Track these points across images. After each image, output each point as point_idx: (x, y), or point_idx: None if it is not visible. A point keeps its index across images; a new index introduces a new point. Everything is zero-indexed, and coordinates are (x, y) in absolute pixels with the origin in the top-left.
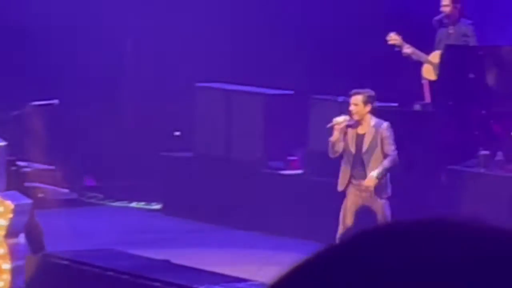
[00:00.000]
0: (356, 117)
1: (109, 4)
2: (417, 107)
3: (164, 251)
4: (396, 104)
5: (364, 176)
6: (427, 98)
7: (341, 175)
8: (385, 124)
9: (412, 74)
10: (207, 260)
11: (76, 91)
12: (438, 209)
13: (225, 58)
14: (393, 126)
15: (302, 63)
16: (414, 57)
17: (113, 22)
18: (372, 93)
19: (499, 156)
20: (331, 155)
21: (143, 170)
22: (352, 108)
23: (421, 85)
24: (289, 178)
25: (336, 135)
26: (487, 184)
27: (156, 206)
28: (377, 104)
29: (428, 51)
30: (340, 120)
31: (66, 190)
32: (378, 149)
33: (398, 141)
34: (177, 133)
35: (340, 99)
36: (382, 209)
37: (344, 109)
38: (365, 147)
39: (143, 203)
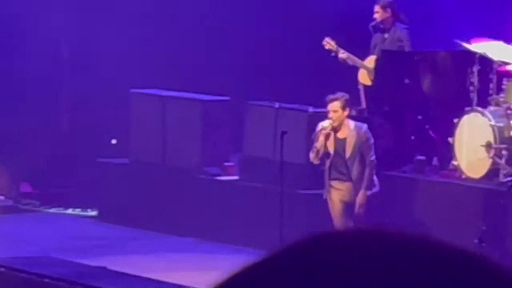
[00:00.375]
0: (335, 123)
1: (44, 11)
2: (353, 112)
3: (101, 258)
4: None
5: (349, 179)
6: (363, 103)
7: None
8: (365, 127)
9: (347, 79)
10: (143, 267)
11: (12, 97)
12: (374, 214)
13: (161, 64)
14: None
15: (239, 69)
16: (350, 62)
17: (49, 28)
18: (347, 96)
19: (435, 161)
20: (315, 162)
21: (79, 176)
22: (331, 115)
23: (357, 90)
24: (225, 184)
25: (322, 140)
26: (423, 189)
27: (92, 213)
28: (312, 110)
29: (364, 56)
30: (326, 125)
31: (1, 197)
32: (359, 152)
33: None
34: (114, 141)
35: (276, 105)
36: (364, 202)
37: (279, 114)
38: (348, 151)
39: (79, 210)
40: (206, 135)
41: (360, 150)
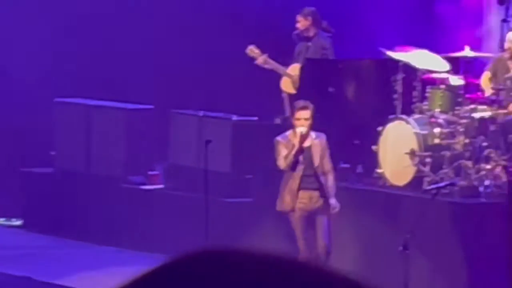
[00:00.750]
0: (305, 131)
1: None
2: (277, 120)
3: (25, 267)
4: (256, 118)
5: (317, 188)
6: (287, 112)
7: (286, 192)
8: (324, 136)
9: (272, 87)
10: (68, 276)
11: None
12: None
13: (85, 74)
14: (253, 140)
15: (162, 77)
16: (274, 69)
17: None
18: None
19: (360, 169)
20: (287, 169)
21: (3, 186)
22: (303, 122)
23: (281, 99)
24: (150, 193)
25: (298, 148)
26: (347, 197)
27: (17, 222)
28: (236, 118)
29: (289, 65)
30: (305, 131)
31: None
32: (322, 160)
33: (259, 155)
34: (53, 153)
35: (200, 113)
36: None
37: (204, 123)
38: (316, 160)
39: (3, 219)
40: (131, 144)
41: (322, 159)
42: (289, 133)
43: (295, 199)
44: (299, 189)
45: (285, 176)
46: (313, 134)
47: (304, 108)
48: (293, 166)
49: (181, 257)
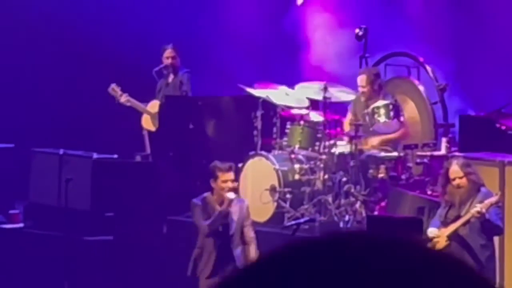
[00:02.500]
0: (234, 197)
1: None
2: (137, 158)
3: None
4: (116, 156)
5: (232, 260)
6: (148, 149)
7: (204, 260)
8: (247, 201)
9: (133, 124)
10: None
11: None
12: (160, 257)
13: None
14: (114, 177)
15: (22, 115)
16: (134, 107)
17: None
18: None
19: None
20: (209, 234)
21: None
22: (230, 184)
23: (141, 136)
24: (10, 232)
25: (224, 213)
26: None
27: None
28: (97, 156)
29: (149, 101)
30: (234, 196)
31: None
32: (243, 229)
33: (119, 192)
34: None
35: (61, 151)
36: None
37: (64, 161)
38: (233, 227)
39: None
40: None
41: (243, 227)
42: (207, 195)
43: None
44: (213, 272)
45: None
46: (231, 196)
47: (229, 169)
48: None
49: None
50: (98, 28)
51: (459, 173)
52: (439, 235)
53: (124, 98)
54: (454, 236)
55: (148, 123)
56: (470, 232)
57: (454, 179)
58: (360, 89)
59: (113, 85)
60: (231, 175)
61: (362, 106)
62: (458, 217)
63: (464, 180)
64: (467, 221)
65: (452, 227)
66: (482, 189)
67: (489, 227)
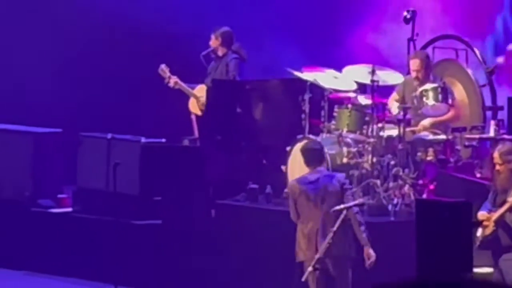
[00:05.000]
0: None
1: None
2: (185, 142)
3: None
4: (164, 140)
5: None
6: (196, 133)
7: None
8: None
9: (181, 108)
10: None
11: None
12: (209, 241)
13: None
14: (162, 161)
15: (70, 100)
16: (182, 90)
17: None
18: None
19: (268, 189)
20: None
21: None
22: None
23: (190, 120)
24: (59, 216)
25: None
26: (256, 217)
27: None
28: (145, 140)
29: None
30: None
31: None
32: None
33: (167, 177)
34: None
35: (109, 135)
36: None
37: (112, 145)
38: None
39: None
40: (39, 168)
41: None
42: None
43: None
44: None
45: None
46: None
47: None
48: None
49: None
50: (149, 13)
51: (498, 160)
52: (488, 219)
53: (172, 80)
54: (500, 222)
55: (194, 107)
56: None
57: (495, 165)
58: (414, 73)
59: (163, 66)
60: None
61: (411, 89)
62: (504, 202)
63: (503, 167)
64: (511, 208)
65: (498, 212)
66: None
67: None
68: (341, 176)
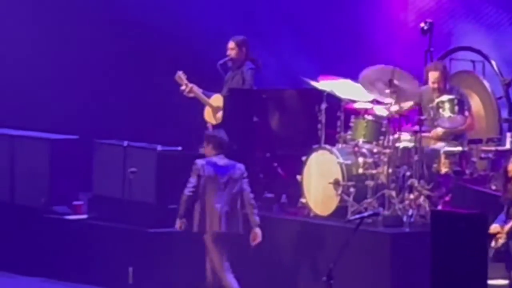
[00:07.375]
0: None
1: None
2: (201, 150)
3: None
4: (180, 148)
5: None
6: None
7: None
8: None
9: (197, 117)
10: None
11: None
12: None
13: (9, 103)
14: (178, 170)
15: (87, 107)
16: (198, 99)
17: None
18: None
19: (284, 199)
20: None
21: None
22: None
23: (206, 128)
24: (74, 223)
25: None
26: (271, 227)
27: None
28: (161, 148)
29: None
30: None
31: None
32: None
33: (183, 185)
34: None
35: (125, 143)
36: None
37: (128, 153)
38: None
39: None
40: (55, 174)
41: None
42: None
43: None
44: None
45: None
46: None
47: None
48: None
49: None
50: (165, 22)
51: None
52: (501, 231)
53: (188, 88)
54: None
55: (209, 116)
56: None
57: (511, 178)
58: (433, 85)
59: (180, 73)
60: None
61: (427, 100)
62: None
63: None
64: None
65: (510, 224)
66: None
67: None
68: (240, 165)
